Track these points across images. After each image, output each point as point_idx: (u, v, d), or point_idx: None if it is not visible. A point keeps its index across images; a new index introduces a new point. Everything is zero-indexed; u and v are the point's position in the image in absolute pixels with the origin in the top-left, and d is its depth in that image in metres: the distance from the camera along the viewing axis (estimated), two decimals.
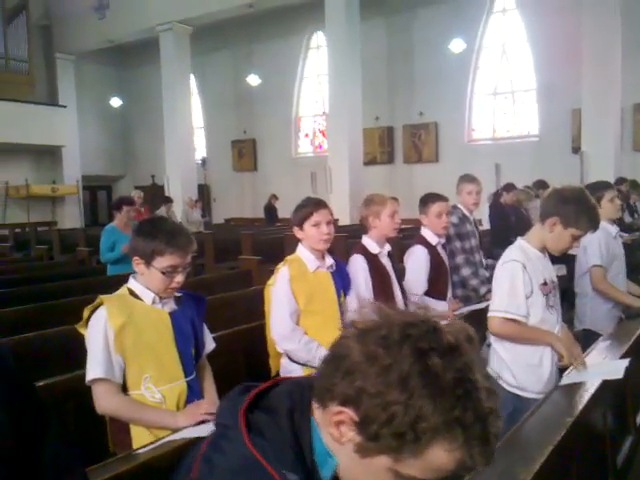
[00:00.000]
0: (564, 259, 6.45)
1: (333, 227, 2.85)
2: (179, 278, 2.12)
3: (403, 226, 10.49)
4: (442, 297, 3.78)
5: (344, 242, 7.58)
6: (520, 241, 2.58)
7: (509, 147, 13.49)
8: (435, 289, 3.73)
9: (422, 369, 0.81)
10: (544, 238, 2.50)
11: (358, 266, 3.18)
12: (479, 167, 12.94)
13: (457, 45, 12.83)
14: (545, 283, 2.49)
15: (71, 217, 17.66)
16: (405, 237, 7.21)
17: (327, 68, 13.50)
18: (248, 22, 15.63)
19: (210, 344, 2.37)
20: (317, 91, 16.68)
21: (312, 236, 2.78)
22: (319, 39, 16.22)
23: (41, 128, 16.47)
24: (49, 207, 17.99)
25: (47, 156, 17.75)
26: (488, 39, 13.91)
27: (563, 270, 6.73)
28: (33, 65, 16.97)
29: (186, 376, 2.17)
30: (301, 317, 2.76)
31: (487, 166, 13.11)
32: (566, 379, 2.40)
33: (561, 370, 2.61)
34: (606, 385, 2.35)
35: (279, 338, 2.73)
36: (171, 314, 2.17)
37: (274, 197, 14.07)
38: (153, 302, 2.14)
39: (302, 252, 2.83)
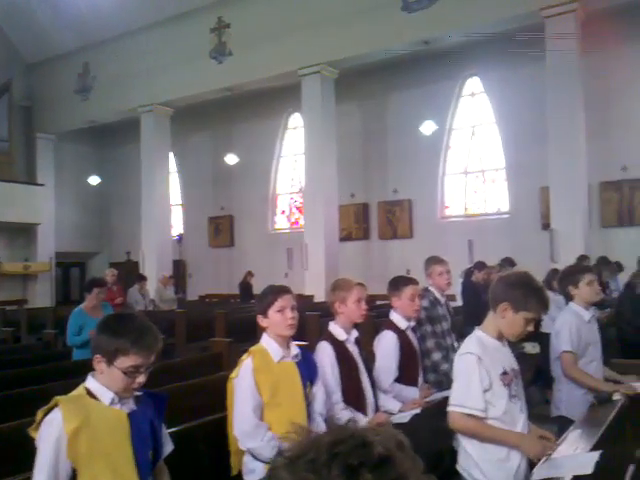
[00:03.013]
0: (538, 337, 6.46)
1: (297, 313, 2.82)
2: (141, 379, 2.05)
3: (379, 302, 10.46)
4: (413, 383, 3.71)
5: (318, 320, 7.51)
6: (477, 331, 2.54)
7: (481, 224, 13.76)
8: (406, 375, 3.66)
9: None
10: (498, 325, 2.48)
11: (325, 354, 3.12)
12: (452, 243, 13.20)
13: (428, 127, 13.31)
14: (505, 372, 2.44)
15: (43, 295, 17.32)
16: (379, 315, 7.17)
17: (304, 147, 13.86)
18: (227, 104, 16.09)
19: (168, 446, 2.26)
20: (293, 169, 17.03)
21: (277, 322, 2.76)
22: (296, 120, 16.73)
23: (18, 206, 16.46)
24: (20, 285, 17.66)
25: (22, 234, 17.61)
26: (458, 121, 14.47)
27: (537, 348, 6.73)
28: (13, 144, 17.12)
29: None
30: (265, 410, 2.66)
31: (460, 242, 13.33)
32: (536, 475, 2.32)
33: (531, 460, 2.53)
34: (577, 478, 2.29)
35: (241, 436, 2.62)
36: (130, 415, 2.08)
37: (250, 274, 14.02)
38: (112, 402, 2.06)
39: (266, 342, 2.78)
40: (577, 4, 10.07)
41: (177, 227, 18.26)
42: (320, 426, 2.76)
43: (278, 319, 2.75)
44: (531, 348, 6.75)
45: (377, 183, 15.17)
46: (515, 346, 6.78)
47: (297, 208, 16.95)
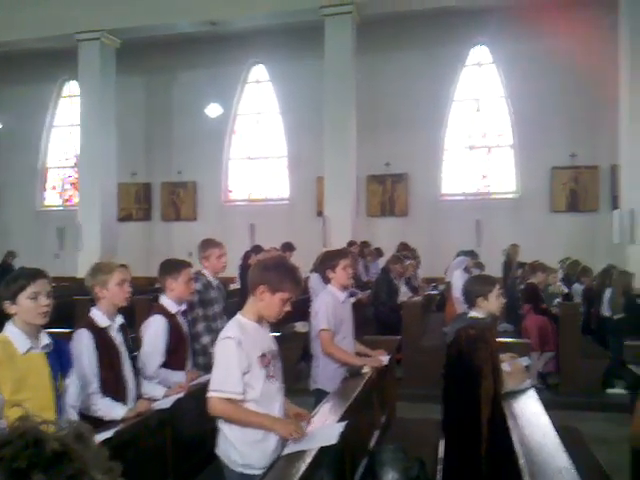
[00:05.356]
0: (308, 317, 6.87)
1: (52, 299, 2.61)
2: None
3: (159, 285, 10.21)
4: (181, 367, 3.69)
5: (87, 306, 7.06)
6: (237, 315, 2.60)
7: (264, 209, 14.19)
8: (173, 360, 3.61)
9: None
10: (258, 308, 2.55)
11: (81, 343, 2.95)
12: (236, 227, 13.42)
13: (214, 110, 13.25)
14: (264, 355, 2.52)
15: None
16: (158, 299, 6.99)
17: (79, 119, 12.88)
18: None
19: None
20: (68, 141, 15.69)
21: (30, 309, 2.51)
22: (72, 88, 15.42)
23: None
24: None
25: None
26: (244, 106, 14.65)
27: (306, 327, 7.19)
28: None
29: None
30: (5, 408, 2.42)
31: (243, 226, 13.61)
32: (288, 449, 2.43)
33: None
34: (326, 448, 2.48)
35: None
36: None
37: (11, 254, 12.61)
38: None
39: (11, 332, 2.52)
40: (353, 7, 10.84)
41: None
42: (72, 419, 2.61)
43: (30, 306, 2.51)
44: (301, 327, 7.17)
45: (161, 163, 14.72)
46: (286, 325, 7.16)
47: (71, 184, 15.71)
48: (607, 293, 6.81)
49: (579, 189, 12.46)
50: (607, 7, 10.77)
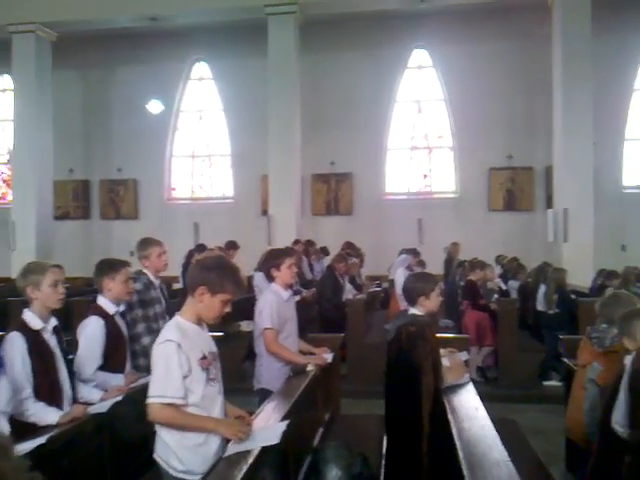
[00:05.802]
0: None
1: None
2: None
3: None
4: (120, 369, 3.59)
5: (21, 308, 6.78)
6: (176, 317, 2.51)
7: (207, 207, 14.00)
8: (112, 362, 3.50)
9: None
10: (197, 309, 2.47)
11: (14, 347, 2.83)
12: (179, 225, 13.21)
13: (155, 106, 12.99)
14: (204, 357, 2.45)
15: None
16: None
17: (13, 114, 12.37)
18: None
19: None
20: (1, 137, 15.05)
21: None
22: (5, 82, 14.78)
23: None
24: None
25: None
26: (186, 103, 14.41)
27: (251, 326, 7.14)
28: None
29: None
30: None
31: (186, 225, 13.40)
32: (229, 450, 2.39)
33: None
34: (269, 448, 2.45)
35: None
36: None
37: None
38: None
39: None
40: (296, 7, 10.84)
41: None
42: (2, 426, 2.50)
43: None
44: (246, 326, 7.11)
45: (99, 160, 14.31)
46: (231, 324, 7.08)
47: (4, 181, 15.12)
48: (542, 289, 7.06)
49: (515, 189, 12.91)
50: (542, 14, 11.17)
